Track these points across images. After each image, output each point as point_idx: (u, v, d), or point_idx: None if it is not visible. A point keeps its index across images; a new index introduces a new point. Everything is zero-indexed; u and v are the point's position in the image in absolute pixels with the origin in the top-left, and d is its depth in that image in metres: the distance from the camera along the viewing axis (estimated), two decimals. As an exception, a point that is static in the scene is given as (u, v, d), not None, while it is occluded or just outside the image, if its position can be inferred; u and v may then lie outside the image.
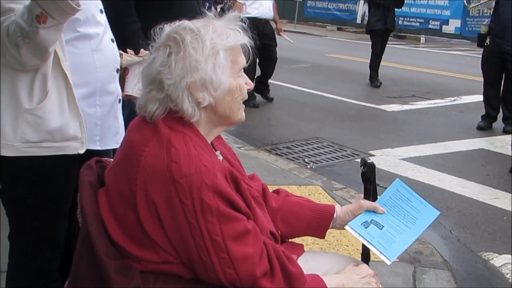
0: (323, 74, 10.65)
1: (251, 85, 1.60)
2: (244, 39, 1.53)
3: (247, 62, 1.56)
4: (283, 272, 1.46)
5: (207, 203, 1.35)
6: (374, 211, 1.86)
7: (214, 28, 1.49)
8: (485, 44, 6.66)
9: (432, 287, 3.02)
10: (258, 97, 7.76)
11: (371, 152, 5.66)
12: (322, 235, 1.88)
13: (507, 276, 3.31)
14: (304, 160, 5.40)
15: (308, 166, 5.21)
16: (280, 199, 1.87)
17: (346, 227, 1.83)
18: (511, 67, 6.38)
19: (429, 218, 1.92)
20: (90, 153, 1.93)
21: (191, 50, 1.44)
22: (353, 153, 5.64)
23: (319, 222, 1.86)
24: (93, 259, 1.43)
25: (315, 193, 4.29)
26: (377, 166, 5.25)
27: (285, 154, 5.57)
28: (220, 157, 1.60)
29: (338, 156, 5.55)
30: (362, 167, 1.92)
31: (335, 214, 1.87)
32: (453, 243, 3.73)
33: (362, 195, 1.93)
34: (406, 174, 5.02)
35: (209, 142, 1.55)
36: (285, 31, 8.65)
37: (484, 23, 6.87)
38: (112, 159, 1.68)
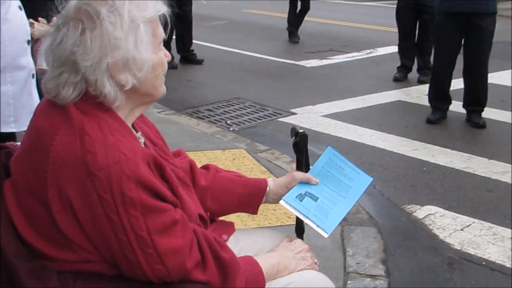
0: (241, 31, 10.50)
1: (169, 56, 1.48)
2: (163, 9, 1.38)
3: (165, 33, 1.43)
4: (216, 260, 1.39)
5: (129, 196, 1.23)
6: (308, 183, 1.80)
7: None
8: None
9: (359, 246, 3.06)
10: (177, 57, 7.57)
11: (292, 110, 5.66)
12: (254, 211, 1.82)
13: (430, 227, 3.42)
14: (226, 122, 5.33)
15: (231, 129, 5.14)
16: (209, 176, 1.77)
17: (281, 202, 1.77)
18: (427, 18, 6.48)
19: (362, 185, 1.90)
20: (5, 137, 1.74)
21: (108, 26, 1.27)
22: (275, 113, 5.61)
23: (251, 197, 1.79)
24: (1, 262, 1.29)
25: (239, 156, 4.24)
26: (299, 124, 5.28)
27: (207, 117, 5.47)
28: (142, 140, 1.48)
29: (260, 117, 5.51)
30: (294, 137, 1.85)
31: (267, 188, 1.80)
32: (377, 198, 3.81)
33: (295, 166, 1.86)
34: (328, 131, 5.06)
35: (130, 125, 1.42)
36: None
37: None
38: (19, 144, 1.50)
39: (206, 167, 1.82)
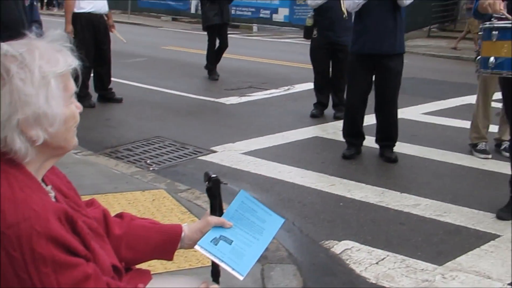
0: (160, 68, 10.52)
1: (81, 108, 1.48)
2: (74, 63, 1.39)
3: (76, 86, 1.44)
4: (130, 314, 1.38)
5: (40, 253, 1.21)
6: (222, 227, 1.83)
7: (40, 52, 1.32)
8: (313, 36, 6.99)
9: (279, 285, 3.10)
10: (95, 96, 7.47)
11: (213, 148, 5.69)
12: (170, 257, 1.82)
13: (347, 262, 3.51)
14: (146, 162, 5.28)
15: (151, 168, 5.10)
16: (124, 224, 1.77)
17: (196, 246, 1.79)
18: (341, 56, 6.75)
19: (275, 226, 1.94)
20: None
21: (18, 82, 1.26)
22: (195, 151, 5.63)
23: (166, 244, 1.79)
24: None
25: (159, 197, 4.21)
26: (219, 162, 5.31)
27: (126, 157, 5.40)
28: (52, 194, 1.46)
29: (180, 155, 5.51)
30: (207, 182, 1.88)
31: (182, 234, 1.81)
32: (296, 235, 3.88)
33: (209, 211, 1.89)
34: (248, 168, 5.12)
35: (40, 178, 1.40)
36: (118, 22, 8.39)
37: (308, 15, 7.18)
38: None
39: (120, 216, 1.81)
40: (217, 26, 9.37)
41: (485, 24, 3.69)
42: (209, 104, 7.78)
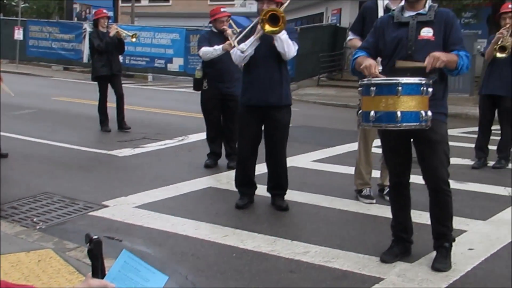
0: (50, 120, 10.22)
1: None
2: None
3: None
4: None
5: None
6: (105, 288, 1.81)
7: None
8: (203, 87, 7.11)
9: None
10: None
11: (104, 203, 5.57)
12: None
13: (239, 314, 3.53)
14: (32, 220, 5.06)
15: (37, 227, 4.89)
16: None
17: (76, 312, 1.75)
18: (232, 106, 6.88)
19: (159, 284, 1.94)
20: None
21: None
22: (86, 206, 5.47)
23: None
24: None
25: (45, 258, 4.03)
26: (111, 217, 5.19)
27: (11, 216, 5.14)
28: None
29: (70, 212, 5.33)
30: (88, 244, 1.85)
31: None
32: (189, 290, 3.85)
33: (90, 274, 1.85)
34: (141, 222, 5.05)
35: None
36: (6, 72, 8.10)
37: (197, 68, 7.32)
38: None
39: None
40: (107, 77, 9.29)
41: (364, 81, 3.95)
42: (101, 157, 7.63)
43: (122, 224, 5.01)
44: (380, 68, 4.18)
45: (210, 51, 6.78)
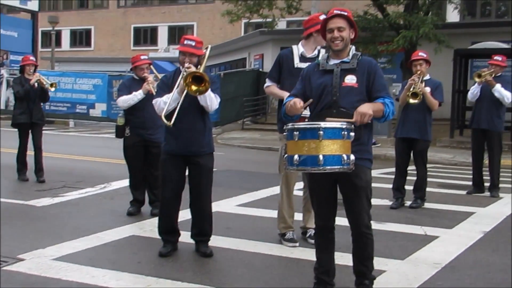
0: (-38, 170, 9.72)
1: None
2: None
3: None
4: None
5: None
6: None
7: None
8: (126, 134, 7.04)
9: None
10: None
11: (20, 256, 5.31)
12: None
13: None
14: None
15: None
16: None
17: None
18: (155, 152, 6.80)
19: None
20: None
21: None
22: (0, 261, 5.21)
23: None
24: None
25: (-46, 318, 3.80)
26: (27, 271, 4.98)
27: None
28: None
29: (-18, 267, 5.05)
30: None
31: None
32: None
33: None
34: (59, 275, 4.85)
35: None
36: None
37: (119, 115, 7.25)
38: None
39: None
40: (27, 125, 9.04)
41: (288, 126, 4.05)
42: (18, 208, 7.33)
43: (38, 278, 4.80)
44: (308, 113, 4.35)
45: (130, 97, 6.77)
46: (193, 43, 5.43)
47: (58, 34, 42.68)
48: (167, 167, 5.48)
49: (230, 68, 30.37)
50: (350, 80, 4.16)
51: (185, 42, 5.44)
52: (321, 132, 3.86)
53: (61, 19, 38.45)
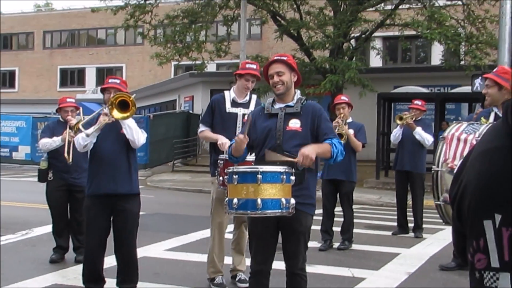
0: None
1: None
2: None
3: None
4: None
5: None
6: None
7: None
8: (49, 178, 6.82)
9: None
10: None
11: None
12: None
13: None
14: None
15: None
16: None
17: None
18: (80, 198, 6.60)
19: None
20: None
21: None
22: None
23: None
24: None
25: None
26: None
27: None
28: None
29: None
30: None
31: None
32: None
33: None
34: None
35: None
36: None
37: (42, 158, 7.03)
38: None
39: None
40: None
41: (229, 169, 4.03)
42: None
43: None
44: (253, 157, 4.39)
45: (49, 142, 6.64)
46: (118, 81, 5.42)
47: (-20, 75, 41.41)
48: (91, 212, 5.31)
49: (160, 110, 30.24)
50: (294, 124, 4.20)
51: (110, 80, 5.43)
52: (260, 176, 3.85)
53: (-17, 60, 37.40)
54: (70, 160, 5.18)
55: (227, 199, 4.06)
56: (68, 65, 41.25)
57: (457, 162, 4.60)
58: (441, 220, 4.62)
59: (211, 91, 24.65)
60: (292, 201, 3.93)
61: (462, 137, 4.24)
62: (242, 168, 4.03)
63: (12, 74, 42.94)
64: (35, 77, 41.76)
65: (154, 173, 21.18)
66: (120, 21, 20.50)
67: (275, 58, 4.35)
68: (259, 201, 3.83)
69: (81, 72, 40.96)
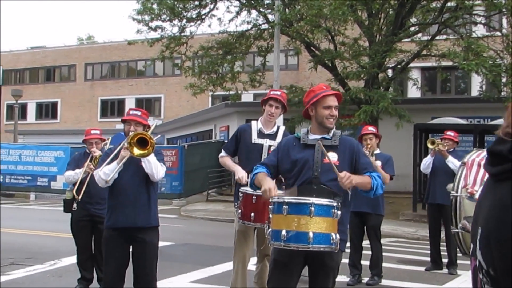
0: None
1: None
2: None
3: None
4: None
5: None
6: None
7: None
8: (73, 209, 6.86)
9: None
10: None
11: None
12: None
13: None
14: None
15: None
16: None
17: None
18: (102, 228, 6.59)
19: None
20: None
21: None
22: None
23: None
24: None
25: None
26: None
27: None
28: None
29: None
30: None
31: None
32: None
33: None
34: None
35: None
36: None
37: (68, 189, 7.07)
38: None
39: None
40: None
41: (274, 198, 3.91)
42: (-42, 287, 6.98)
43: None
44: (280, 191, 4.24)
45: (72, 174, 6.71)
46: (139, 113, 5.41)
47: (24, 107, 42.59)
48: (110, 244, 5.28)
49: (197, 140, 30.43)
50: (332, 157, 4.10)
51: (130, 112, 5.43)
52: (312, 208, 3.76)
53: (27, 92, 38.56)
54: (80, 197, 5.19)
55: (270, 230, 3.93)
56: (108, 96, 42.12)
57: (477, 188, 4.44)
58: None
59: (246, 121, 24.69)
60: (338, 236, 3.83)
61: (483, 163, 4.08)
62: (294, 199, 3.89)
63: (54, 105, 44.09)
64: (77, 108, 42.74)
65: (188, 203, 21.22)
66: (158, 53, 20.88)
67: (334, 92, 4.32)
68: (310, 234, 3.72)
69: (121, 102, 41.73)
